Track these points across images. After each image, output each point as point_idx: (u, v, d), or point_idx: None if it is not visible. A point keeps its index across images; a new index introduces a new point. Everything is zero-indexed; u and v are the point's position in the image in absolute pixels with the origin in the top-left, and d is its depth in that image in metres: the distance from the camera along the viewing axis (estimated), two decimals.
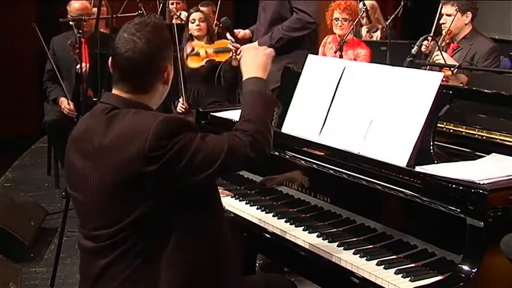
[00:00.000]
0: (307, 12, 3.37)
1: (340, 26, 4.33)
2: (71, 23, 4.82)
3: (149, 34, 1.81)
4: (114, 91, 1.86)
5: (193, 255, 1.79)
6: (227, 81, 4.60)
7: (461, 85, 2.68)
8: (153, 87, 1.85)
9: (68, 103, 4.69)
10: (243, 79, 2.01)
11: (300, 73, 2.50)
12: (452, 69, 2.92)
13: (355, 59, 4.29)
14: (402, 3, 5.21)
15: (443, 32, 3.97)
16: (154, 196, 1.74)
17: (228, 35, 3.71)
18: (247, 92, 1.97)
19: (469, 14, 3.94)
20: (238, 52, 3.63)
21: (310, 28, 3.44)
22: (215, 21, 5.42)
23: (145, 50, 1.80)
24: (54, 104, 4.81)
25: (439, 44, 3.71)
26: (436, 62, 3.52)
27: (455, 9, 3.93)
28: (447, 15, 3.97)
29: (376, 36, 5.68)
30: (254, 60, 2.02)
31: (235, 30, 3.85)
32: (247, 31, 3.80)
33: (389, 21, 5.12)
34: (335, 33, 4.52)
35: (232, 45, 3.73)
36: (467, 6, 3.95)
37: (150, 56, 1.81)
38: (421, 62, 2.72)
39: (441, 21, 4.02)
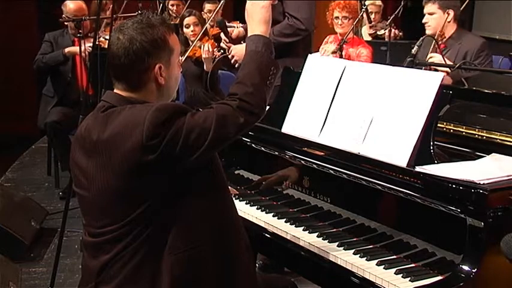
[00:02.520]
0: (299, 19, 3.33)
1: (340, 25, 4.34)
2: (66, 23, 4.83)
3: (134, 32, 1.82)
4: (115, 89, 1.89)
5: (194, 241, 1.80)
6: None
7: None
8: (143, 85, 1.85)
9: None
10: (248, 36, 1.99)
11: (300, 73, 2.50)
12: (452, 69, 2.92)
13: (357, 58, 4.30)
14: (402, 3, 5.21)
15: (427, 31, 3.96)
16: (159, 186, 1.75)
17: (222, 35, 3.74)
18: (246, 52, 1.95)
19: (451, 12, 3.93)
20: (229, 51, 3.65)
21: (301, 35, 3.39)
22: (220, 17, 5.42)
23: (127, 47, 1.81)
24: (66, 61, 4.80)
25: (437, 43, 3.72)
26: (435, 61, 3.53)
27: (437, 8, 3.93)
28: (429, 14, 3.97)
29: (382, 33, 5.65)
30: (255, 16, 1.99)
31: (229, 29, 3.86)
32: (241, 29, 3.80)
33: (389, 21, 5.12)
34: (336, 33, 4.52)
35: (226, 45, 3.75)
36: (449, 4, 3.94)
37: (133, 54, 1.81)
38: (421, 62, 2.72)
39: (423, 21, 4.02)
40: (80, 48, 4.61)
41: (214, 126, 1.74)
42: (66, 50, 4.79)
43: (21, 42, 6.48)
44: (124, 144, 1.72)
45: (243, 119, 1.79)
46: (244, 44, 3.53)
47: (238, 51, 3.55)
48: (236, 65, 3.63)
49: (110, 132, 1.77)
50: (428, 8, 3.97)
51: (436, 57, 3.58)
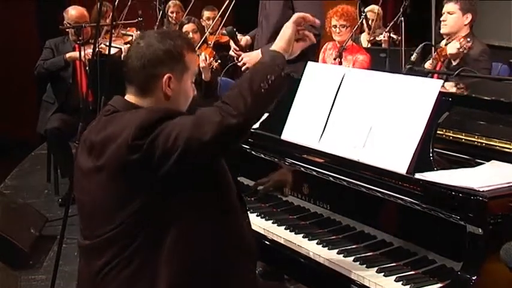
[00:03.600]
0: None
1: (338, 33, 4.35)
2: (67, 30, 4.85)
3: (153, 39, 1.86)
4: (126, 95, 1.92)
5: (191, 248, 1.80)
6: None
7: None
8: (151, 92, 1.87)
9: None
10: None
11: (300, 80, 2.50)
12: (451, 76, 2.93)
13: (353, 64, 4.31)
14: (402, 11, 5.22)
15: (443, 30, 3.98)
16: (146, 187, 1.76)
17: (231, 43, 3.74)
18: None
19: (469, 16, 3.96)
20: (240, 59, 3.66)
21: (314, 41, 3.47)
22: (221, 26, 5.44)
23: (143, 51, 1.84)
24: (67, 66, 4.79)
25: (436, 49, 3.73)
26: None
27: (458, 8, 3.96)
28: (448, 13, 3.99)
29: (381, 38, 5.65)
30: (280, 33, 1.96)
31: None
32: (248, 37, 3.83)
33: (388, 27, 5.12)
34: (334, 40, 4.54)
35: (235, 53, 3.75)
36: (470, 7, 3.98)
37: (146, 58, 1.84)
38: (420, 69, 2.72)
39: (442, 18, 4.04)
40: (80, 55, 4.62)
41: (190, 127, 1.70)
42: (67, 55, 4.80)
43: (21, 48, 6.49)
44: (115, 142, 1.75)
45: (220, 117, 1.69)
46: (256, 51, 3.56)
47: (250, 59, 3.58)
48: None
49: (105, 133, 1.79)
50: (449, 7, 3.99)
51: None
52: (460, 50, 3.77)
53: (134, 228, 1.77)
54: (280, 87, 1.82)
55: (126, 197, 1.77)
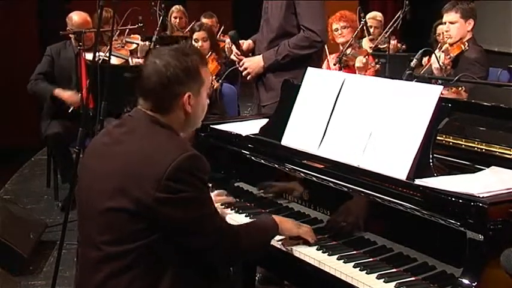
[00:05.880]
0: (315, 31, 3.40)
1: (340, 34, 4.48)
2: (70, 35, 4.84)
3: (170, 58, 1.88)
4: (139, 106, 1.94)
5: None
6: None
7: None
8: (171, 110, 1.91)
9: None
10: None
11: (300, 86, 2.51)
12: (450, 83, 2.93)
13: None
14: (401, 16, 5.23)
15: (449, 40, 3.99)
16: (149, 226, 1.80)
17: (233, 47, 3.75)
18: (265, 220, 2.16)
19: (471, 21, 3.97)
20: (241, 64, 3.66)
21: (317, 47, 3.47)
22: (220, 33, 5.45)
23: (162, 72, 1.87)
24: (53, 101, 4.72)
25: (437, 58, 3.73)
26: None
27: (459, 17, 3.96)
28: (450, 22, 3.99)
29: (384, 46, 5.65)
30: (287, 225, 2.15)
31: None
32: (250, 41, 3.82)
33: (388, 33, 5.13)
34: (334, 53, 4.58)
35: (237, 58, 3.75)
36: (470, 13, 3.98)
37: (166, 79, 1.87)
38: (420, 75, 2.72)
39: (445, 29, 4.04)
40: (80, 62, 4.61)
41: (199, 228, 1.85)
42: (56, 91, 4.70)
43: (23, 55, 6.50)
44: (141, 173, 1.77)
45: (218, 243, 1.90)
46: (257, 57, 3.57)
47: (251, 64, 3.58)
48: (248, 78, 3.65)
49: (129, 147, 1.83)
50: (450, 16, 3.99)
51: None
52: (440, 63, 3.80)
53: (141, 248, 1.79)
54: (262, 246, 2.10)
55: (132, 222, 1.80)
